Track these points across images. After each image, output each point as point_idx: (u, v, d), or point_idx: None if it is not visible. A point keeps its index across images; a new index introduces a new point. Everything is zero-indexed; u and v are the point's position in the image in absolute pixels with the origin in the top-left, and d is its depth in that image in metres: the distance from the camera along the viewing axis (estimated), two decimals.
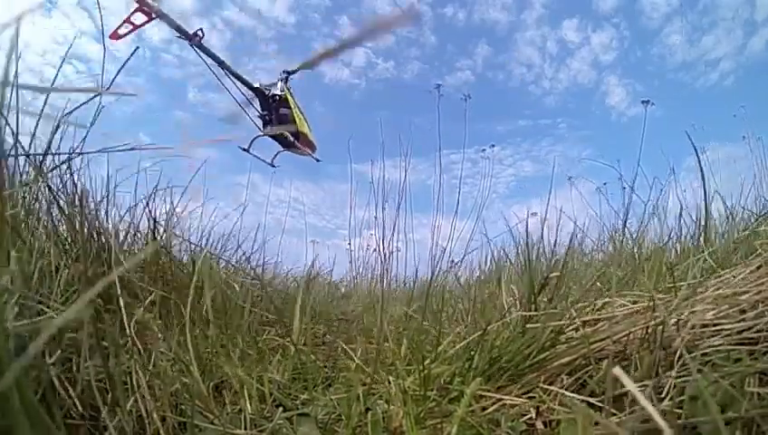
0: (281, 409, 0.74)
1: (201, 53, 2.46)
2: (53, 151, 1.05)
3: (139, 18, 2.25)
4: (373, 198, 3.34)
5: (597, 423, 0.59)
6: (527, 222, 1.29)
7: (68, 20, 4.42)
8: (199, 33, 2.31)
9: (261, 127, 2.67)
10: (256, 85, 2.68)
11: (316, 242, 3.27)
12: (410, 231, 3.39)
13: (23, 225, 0.95)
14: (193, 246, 1.44)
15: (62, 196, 1.07)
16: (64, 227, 1.03)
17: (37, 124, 1.02)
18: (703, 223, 1.34)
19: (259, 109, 2.68)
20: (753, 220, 1.31)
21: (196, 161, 1.46)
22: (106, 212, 1.25)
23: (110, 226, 1.23)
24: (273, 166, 2.83)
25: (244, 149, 2.65)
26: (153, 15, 2.19)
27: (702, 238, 1.31)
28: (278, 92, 2.69)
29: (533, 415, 0.68)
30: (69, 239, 1.01)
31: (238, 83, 2.63)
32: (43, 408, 0.55)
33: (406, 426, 0.67)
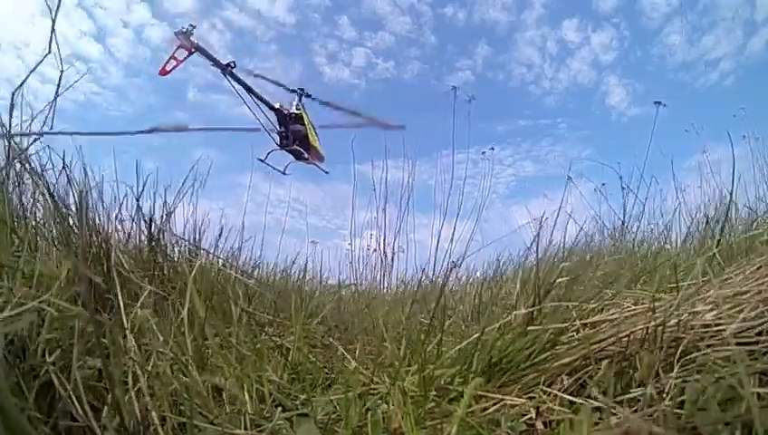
0: (280, 409, 0.74)
1: (232, 81, 2.85)
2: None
3: (181, 53, 2.57)
4: (375, 198, 3.37)
5: (597, 423, 0.59)
6: (539, 226, 1.28)
7: (68, 20, 4.43)
8: (231, 64, 2.74)
9: (278, 141, 3.15)
10: (277, 106, 3.09)
11: (316, 242, 3.27)
12: (411, 231, 3.41)
13: (21, 223, 0.95)
14: (189, 245, 1.44)
15: (57, 193, 1.07)
16: (61, 225, 1.03)
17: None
18: (722, 222, 1.33)
19: (277, 125, 3.13)
20: (753, 220, 1.30)
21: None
22: (98, 209, 1.25)
23: (107, 223, 1.23)
24: (286, 174, 3.19)
25: (262, 160, 3.02)
26: (193, 50, 2.51)
27: (713, 238, 1.31)
28: (294, 111, 3.09)
29: (533, 415, 0.68)
30: (66, 238, 1.01)
31: (262, 105, 3.05)
32: (39, 408, 0.55)
33: (405, 427, 0.67)
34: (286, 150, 3.17)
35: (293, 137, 3.11)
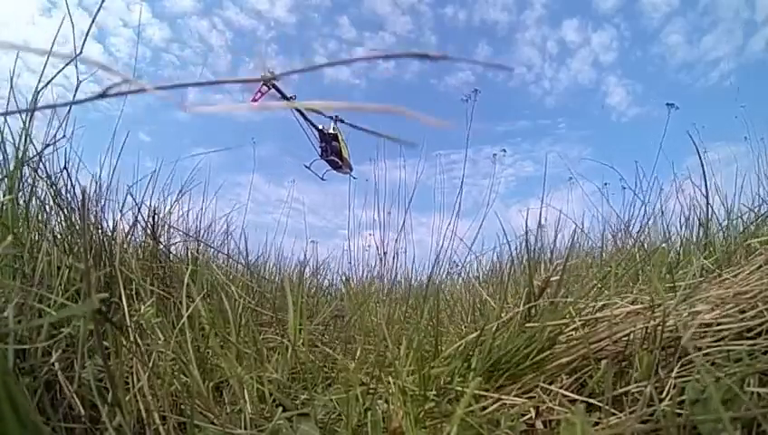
0: (281, 409, 0.74)
1: (294, 111, 3.76)
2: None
3: (264, 89, 3.30)
4: (375, 198, 3.67)
5: (597, 423, 0.59)
6: (527, 223, 1.29)
7: (67, 20, 4.42)
8: (293, 96, 3.47)
9: (320, 153, 4.02)
10: (320, 127, 4.03)
11: (315, 242, 3.39)
12: (410, 231, 3.49)
13: (22, 225, 0.95)
14: (191, 243, 1.44)
15: (61, 193, 1.07)
16: (63, 225, 1.03)
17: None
18: (704, 223, 1.34)
19: (319, 141, 4.04)
20: (753, 220, 1.31)
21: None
22: (103, 208, 1.26)
23: (110, 223, 1.23)
24: (323, 179, 4.09)
25: (307, 166, 4.04)
26: (271, 87, 3.20)
27: (704, 238, 1.31)
28: (331, 131, 4.15)
29: (533, 415, 0.68)
30: (68, 238, 1.01)
31: (311, 126, 3.97)
32: (40, 407, 0.55)
33: (405, 426, 0.67)
34: (325, 160, 4.13)
35: (331, 150, 4.12)
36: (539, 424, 0.67)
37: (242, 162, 3.99)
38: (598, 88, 4.67)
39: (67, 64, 1.01)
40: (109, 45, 4.67)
